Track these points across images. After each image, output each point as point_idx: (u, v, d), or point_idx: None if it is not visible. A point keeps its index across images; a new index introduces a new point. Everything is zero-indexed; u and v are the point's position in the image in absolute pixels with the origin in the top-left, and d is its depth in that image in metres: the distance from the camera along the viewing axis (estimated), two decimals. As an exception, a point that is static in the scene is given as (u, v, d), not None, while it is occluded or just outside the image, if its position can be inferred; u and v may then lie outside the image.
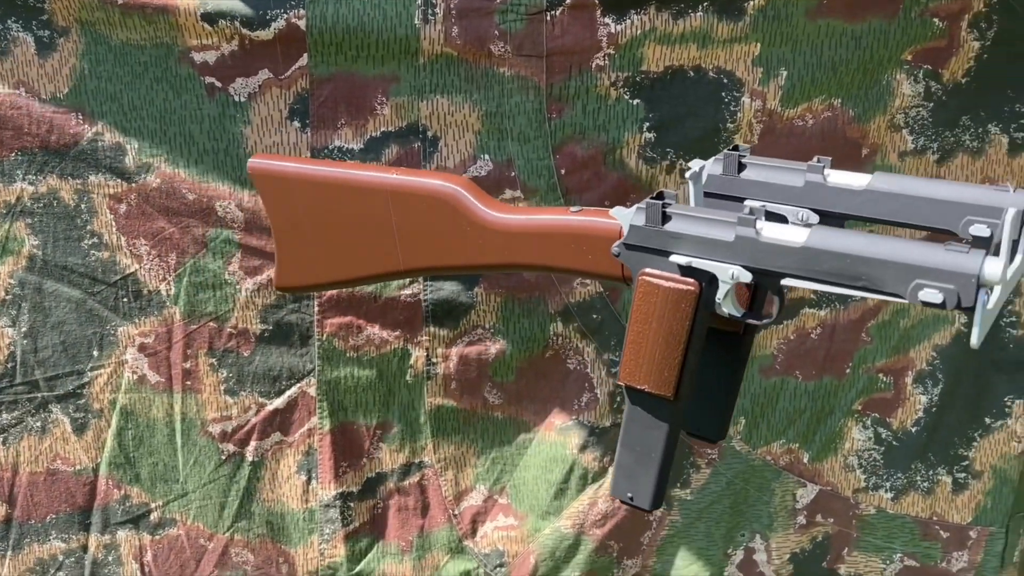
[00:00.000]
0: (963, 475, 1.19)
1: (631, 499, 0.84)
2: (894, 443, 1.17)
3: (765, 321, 0.80)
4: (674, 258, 0.78)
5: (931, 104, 1.07)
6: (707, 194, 0.85)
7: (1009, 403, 1.17)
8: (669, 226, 0.79)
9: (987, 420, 1.17)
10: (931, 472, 1.18)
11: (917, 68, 1.06)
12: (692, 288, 0.77)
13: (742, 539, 1.19)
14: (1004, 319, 1.15)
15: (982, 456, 1.18)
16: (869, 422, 1.17)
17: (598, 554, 1.16)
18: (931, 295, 0.66)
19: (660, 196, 0.80)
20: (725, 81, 1.04)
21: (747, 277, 0.75)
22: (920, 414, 1.16)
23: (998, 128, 1.09)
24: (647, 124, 1.04)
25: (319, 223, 0.95)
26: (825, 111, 1.06)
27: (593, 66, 1.02)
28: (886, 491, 1.18)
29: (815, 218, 0.79)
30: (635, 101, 1.04)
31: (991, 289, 0.65)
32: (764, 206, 0.81)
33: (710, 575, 1.19)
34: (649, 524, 1.17)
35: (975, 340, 0.66)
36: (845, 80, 1.05)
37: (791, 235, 0.73)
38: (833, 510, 1.18)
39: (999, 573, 1.20)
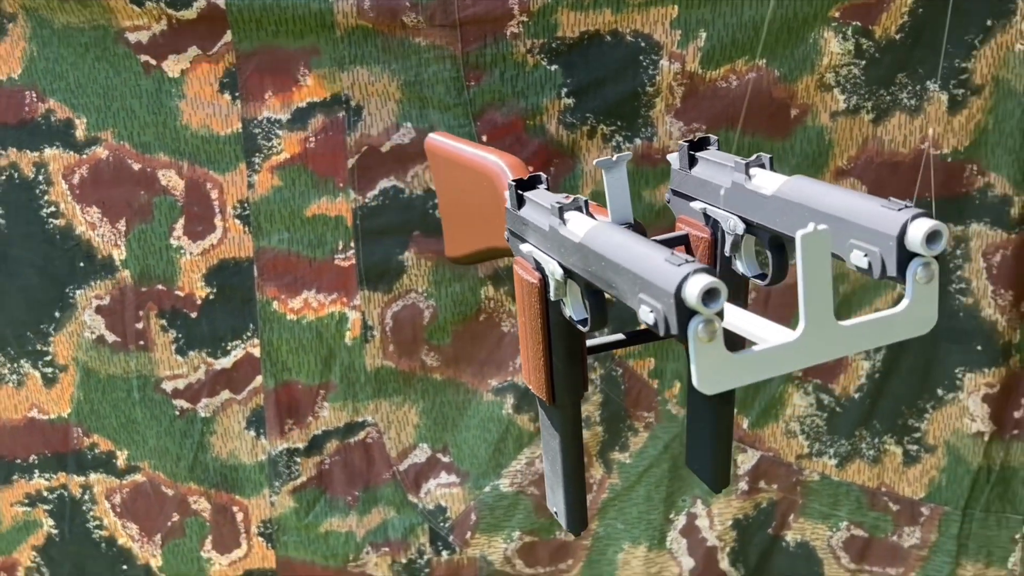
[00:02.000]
0: (915, 447, 1.15)
1: (556, 515, 0.76)
2: (837, 409, 1.15)
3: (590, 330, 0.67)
4: (523, 246, 0.69)
5: (863, 62, 1.04)
6: (674, 192, 0.73)
7: (960, 376, 1.13)
8: (523, 211, 0.70)
9: (939, 392, 1.14)
10: (877, 440, 1.15)
11: (846, 25, 1.03)
12: (534, 281, 0.67)
13: (684, 504, 1.19)
14: (953, 285, 1.11)
15: (935, 429, 1.15)
16: (810, 388, 1.15)
17: (538, 514, 1.18)
18: (646, 313, 0.50)
19: (530, 180, 0.72)
20: (643, 44, 1.04)
21: (559, 273, 0.64)
22: (863, 380, 1.14)
23: (936, 85, 1.05)
24: (565, 89, 1.05)
25: (458, 198, 0.93)
26: (749, 72, 1.05)
27: (508, 34, 1.03)
28: (830, 457, 1.16)
29: (741, 228, 0.65)
30: (553, 67, 1.05)
31: (712, 318, 0.47)
32: (704, 208, 0.68)
33: (653, 539, 1.19)
34: (589, 487, 1.18)
35: (695, 380, 0.48)
36: (768, 40, 1.03)
37: (579, 228, 0.61)
38: (776, 476, 1.17)
39: (956, 557, 1.16)
